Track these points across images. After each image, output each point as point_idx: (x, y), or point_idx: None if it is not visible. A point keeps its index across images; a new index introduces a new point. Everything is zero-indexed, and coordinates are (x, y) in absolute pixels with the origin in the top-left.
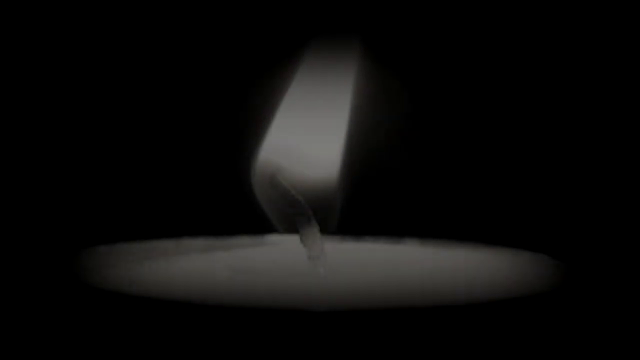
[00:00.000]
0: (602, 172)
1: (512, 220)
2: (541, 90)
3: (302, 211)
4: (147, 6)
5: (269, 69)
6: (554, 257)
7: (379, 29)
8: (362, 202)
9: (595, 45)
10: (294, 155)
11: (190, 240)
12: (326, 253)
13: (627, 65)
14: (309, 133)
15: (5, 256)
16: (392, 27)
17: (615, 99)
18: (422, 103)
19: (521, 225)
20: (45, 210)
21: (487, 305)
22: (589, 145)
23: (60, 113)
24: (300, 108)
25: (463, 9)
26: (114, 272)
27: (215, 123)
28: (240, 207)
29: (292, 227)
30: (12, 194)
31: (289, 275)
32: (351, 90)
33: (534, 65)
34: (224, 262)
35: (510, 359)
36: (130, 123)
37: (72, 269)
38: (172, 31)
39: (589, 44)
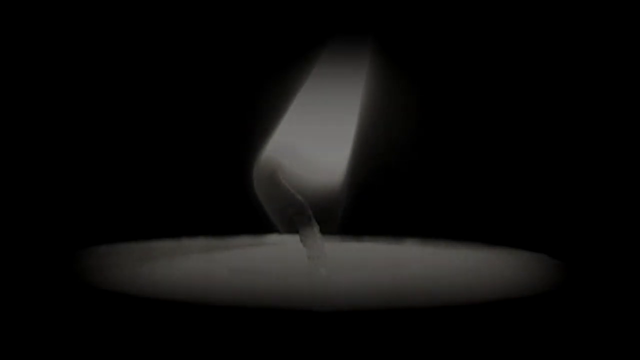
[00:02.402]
0: (602, 172)
1: (512, 220)
2: (541, 91)
3: (302, 211)
4: (157, 5)
5: (275, 71)
6: (554, 257)
7: (389, 32)
8: (362, 203)
9: (595, 45)
10: (298, 156)
11: (190, 240)
12: (326, 253)
13: (627, 65)
14: (316, 136)
15: (5, 256)
16: (401, 31)
17: (616, 98)
18: (424, 105)
19: (521, 225)
20: (45, 210)
21: (487, 306)
22: (589, 145)
23: (60, 113)
24: (309, 111)
25: (473, 12)
26: (114, 272)
27: (216, 123)
28: (240, 207)
29: (292, 227)
30: (12, 194)
31: (289, 275)
32: (361, 95)
33: (534, 66)
34: (224, 262)
35: (510, 359)
36: (130, 123)
37: (72, 269)
38: (176, 28)
39: (588, 44)
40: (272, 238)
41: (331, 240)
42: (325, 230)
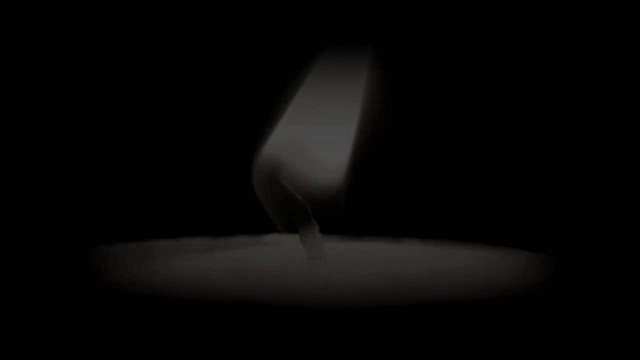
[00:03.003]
0: (600, 173)
1: (512, 220)
2: (540, 92)
3: (302, 211)
4: (158, 6)
5: (274, 71)
6: (554, 257)
7: (389, 35)
8: (362, 203)
9: (595, 45)
10: (297, 154)
11: (190, 240)
12: (326, 253)
13: (626, 66)
14: (316, 134)
15: (5, 256)
16: (399, 34)
17: (613, 100)
18: (423, 105)
19: (521, 225)
20: (45, 210)
21: (484, 304)
22: (587, 147)
23: (60, 114)
24: (309, 109)
25: (469, 17)
26: (114, 272)
27: (216, 123)
28: (240, 207)
29: (292, 227)
30: (12, 194)
31: (289, 275)
32: (362, 95)
33: (533, 69)
34: (224, 262)
35: (508, 357)
36: (130, 124)
37: (73, 269)
38: (177, 30)
39: (589, 44)
40: (272, 238)
41: (331, 240)
42: (325, 230)
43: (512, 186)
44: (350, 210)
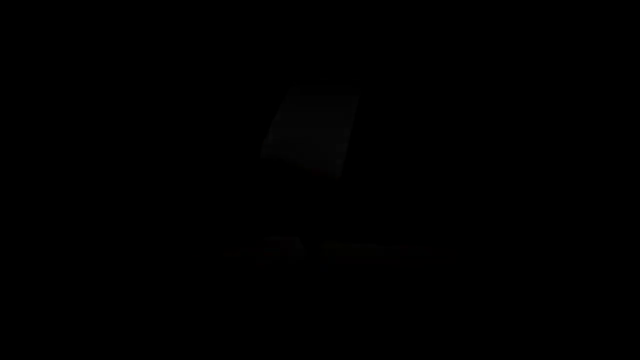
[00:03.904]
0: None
1: (514, 221)
2: (539, 96)
3: (302, 211)
4: (157, 10)
5: (273, 74)
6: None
7: (382, 39)
8: (362, 203)
9: (559, 44)
10: (297, 153)
11: (192, 240)
12: (326, 253)
13: (620, 68)
14: (313, 133)
15: (5, 256)
16: (393, 35)
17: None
18: (422, 108)
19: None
20: (46, 211)
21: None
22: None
23: (61, 115)
24: (306, 105)
25: (461, 18)
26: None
27: (215, 124)
28: (242, 207)
29: (292, 228)
30: (10, 194)
31: (289, 274)
32: (357, 95)
33: (528, 72)
34: (224, 262)
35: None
36: (130, 125)
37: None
38: (176, 33)
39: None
40: (272, 238)
41: (331, 241)
42: (325, 228)
43: (512, 188)
44: (350, 210)
